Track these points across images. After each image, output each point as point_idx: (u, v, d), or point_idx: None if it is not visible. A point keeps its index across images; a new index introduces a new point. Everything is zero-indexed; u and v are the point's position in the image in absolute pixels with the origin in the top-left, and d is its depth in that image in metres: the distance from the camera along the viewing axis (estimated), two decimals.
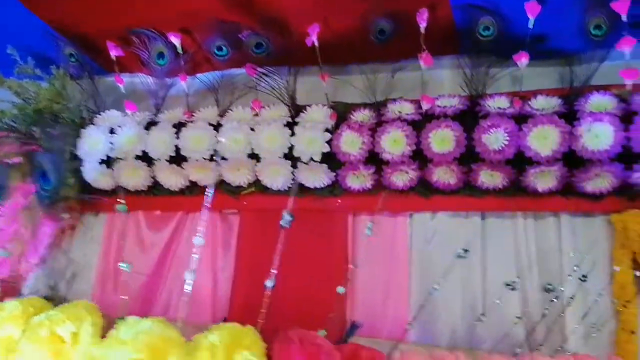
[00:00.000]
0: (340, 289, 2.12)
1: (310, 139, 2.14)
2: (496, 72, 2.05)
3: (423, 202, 2.17)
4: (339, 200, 2.23)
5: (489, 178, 2.02)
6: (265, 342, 1.99)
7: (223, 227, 2.41)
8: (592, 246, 2.01)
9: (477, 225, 2.16)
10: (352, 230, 2.26)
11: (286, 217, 2.18)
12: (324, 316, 2.13)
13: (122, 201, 2.40)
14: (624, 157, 1.86)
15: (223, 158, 2.24)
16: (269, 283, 2.13)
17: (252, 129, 2.21)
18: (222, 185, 2.34)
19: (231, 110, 2.33)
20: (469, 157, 2.02)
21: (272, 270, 2.15)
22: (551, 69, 2.09)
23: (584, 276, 1.93)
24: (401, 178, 2.12)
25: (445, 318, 2.10)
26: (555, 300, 1.97)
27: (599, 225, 2.02)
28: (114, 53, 2.38)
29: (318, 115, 2.20)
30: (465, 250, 2.06)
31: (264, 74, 2.25)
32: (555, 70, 2.09)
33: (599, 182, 1.91)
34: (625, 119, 1.85)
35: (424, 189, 2.14)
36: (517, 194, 2.05)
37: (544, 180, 1.96)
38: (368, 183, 2.16)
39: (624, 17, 1.76)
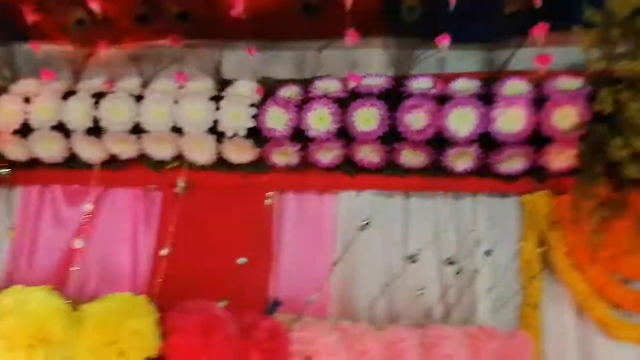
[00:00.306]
0: (241, 260, 2.13)
1: (236, 114, 2.10)
2: (421, 54, 2.10)
3: (349, 181, 2.20)
4: (265, 178, 2.24)
5: (411, 157, 2.06)
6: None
7: (145, 203, 2.35)
8: (505, 225, 2.09)
9: (400, 204, 2.21)
10: (277, 208, 2.27)
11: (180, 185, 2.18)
12: (247, 293, 2.16)
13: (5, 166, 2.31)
14: (535, 140, 1.94)
15: (145, 131, 2.19)
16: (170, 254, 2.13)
17: (176, 102, 2.16)
18: (144, 159, 2.29)
19: (155, 81, 2.26)
20: (392, 136, 2.05)
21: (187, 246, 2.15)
22: (474, 52, 2.14)
23: (488, 251, 2.03)
24: (327, 156, 2.13)
25: (367, 294, 2.14)
26: (458, 273, 2.05)
27: (512, 206, 2.11)
28: (30, 18, 2.26)
29: (244, 90, 2.17)
30: (367, 223, 2.11)
31: (189, 45, 2.21)
32: (477, 54, 2.15)
33: (512, 163, 1.99)
34: (537, 103, 1.93)
35: (350, 168, 2.17)
36: (437, 174, 2.11)
37: (461, 160, 2.03)
38: (294, 160, 2.17)
39: (538, 4, 1.84)
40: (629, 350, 1.94)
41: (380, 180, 2.17)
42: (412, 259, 2.09)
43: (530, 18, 1.92)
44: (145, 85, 2.28)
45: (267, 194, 2.20)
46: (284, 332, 1.68)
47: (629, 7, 1.58)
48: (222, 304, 1.99)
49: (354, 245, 2.17)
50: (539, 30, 1.85)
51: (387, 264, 2.15)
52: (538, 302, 1.97)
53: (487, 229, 2.11)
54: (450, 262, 2.03)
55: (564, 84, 1.93)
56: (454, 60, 2.15)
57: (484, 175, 2.07)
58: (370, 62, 2.25)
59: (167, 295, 2.15)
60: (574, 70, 1.95)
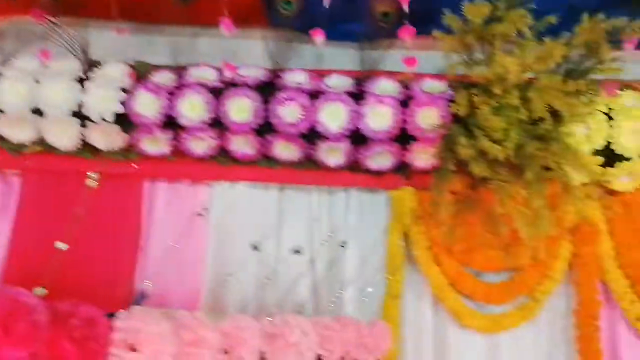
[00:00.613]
0: (60, 245, 2.05)
1: (103, 97, 2.00)
2: (297, 47, 2.12)
3: (222, 171, 2.17)
4: (135, 165, 2.16)
5: (285, 150, 2.08)
6: None
7: (2, 187, 2.19)
8: (374, 219, 2.17)
9: (275, 196, 2.21)
10: (148, 197, 2.19)
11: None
12: (111, 284, 2.07)
13: None
14: (402, 138, 2.02)
15: (1, 111, 2.02)
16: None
17: (37, 81, 2.02)
18: (2, 142, 2.12)
19: (15, 59, 2.09)
20: (266, 128, 2.04)
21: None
22: (349, 50, 2.17)
23: (343, 243, 2.09)
24: (199, 145, 2.09)
25: (239, 287, 2.12)
26: (331, 269, 2.10)
27: (382, 201, 2.18)
28: None
29: (114, 73, 2.07)
30: (204, 209, 2.11)
31: (54, 23, 2.08)
32: (352, 53, 2.18)
33: (380, 159, 2.06)
34: (404, 103, 2.01)
35: (224, 158, 2.14)
36: (311, 167, 2.14)
37: (333, 155, 2.07)
38: (165, 148, 2.09)
39: (405, 7, 1.92)
40: (478, 339, 2.07)
41: (255, 172, 2.16)
42: (296, 251, 2.10)
43: (400, 21, 2.02)
44: (5, 63, 2.10)
45: (88, 173, 2.10)
46: (103, 320, 1.59)
47: (482, 14, 1.69)
48: (39, 291, 1.89)
49: (227, 237, 2.16)
50: (406, 33, 1.94)
51: (259, 256, 2.13)
52: (399, 293, 2.06)
53: (358, 222, 2.18)
54: (297, 252, 2.06)
55: (429, 86, 2.03)
56: (330, 57, 2.19)
57: (355, 170, 2.13)
58: (250, 53, 2.23)
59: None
60: (440, 74, 2.05)
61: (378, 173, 2.12)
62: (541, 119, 1.67)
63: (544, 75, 1.68)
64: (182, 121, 2.02)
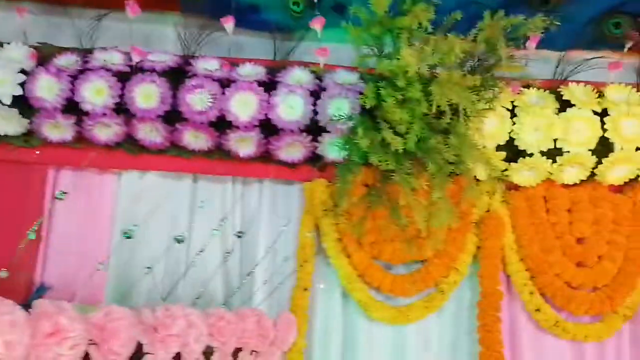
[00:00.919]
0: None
1: (1, 80, 1.90)
2: (209, 34, 2.06)
3: (131, 160, 2.10)
4: (37, 152, 2.06)
5: (194, 139, 2.03)
6: None
7: None
8: (288, 212, 2.15)
9: (188, 187, 2.17)
10: (52, 185, 2.10)
11: None
12: (10, 275, 1.97)
13: None
14: (313, 128, 2.01)
15: None
16: None
17: None
18: None
19: None
20: (174, 116, 1.99)
21: None
22: (265, 40, 2.16)
23: (239, 233, 2.07)
24: (105, 132, 2.01)
25: (147, 278, 2.05)
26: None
27: (295, 193, 2.17)
28: None
29: (14, 54, 1.97)
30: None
31: None
32: (268, 42, 2.16)
33: (292, 151, 2.05)
34: (316, 94, 2.00)
35: (131, 146, 2.07)
36: (225, 158, 2.10)
37: (244, 145, 2.04)
38: (69, 134, 2.01)
39: None
40: (385, 330, 2.10)
41: (165, 162, 2.10)
42: (180, 239, 2.05)
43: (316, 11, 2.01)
44: None
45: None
46: None
47: (385, 6, 1.70)
48: None
49: (135, 229, 2.08)
50: (317, 24, 1.93)
51: (168, 248, 2.08)
52: (309, 285, 2.05)
53: (271, 213, 2.16)
54: (179, 240, 2.01)
55: (341, 77, 2.03)
56: (246, 46, 2.17)
57: (269, 161, 2.11)
58: (163, 39, 2.18)
59: None
60: (354, 67, 2.06)
61: (292, 165, 2.11)
62: (443, 113, 1.70)
63: (444, 70, 1.72)
64: (86, 106, 1.95)
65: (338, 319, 2.08)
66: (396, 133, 1.77)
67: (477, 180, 2.02)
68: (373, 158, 1.70)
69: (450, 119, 1.72)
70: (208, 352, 1.51)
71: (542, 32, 1.97)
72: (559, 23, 1.71)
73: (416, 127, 1.69)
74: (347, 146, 1.81)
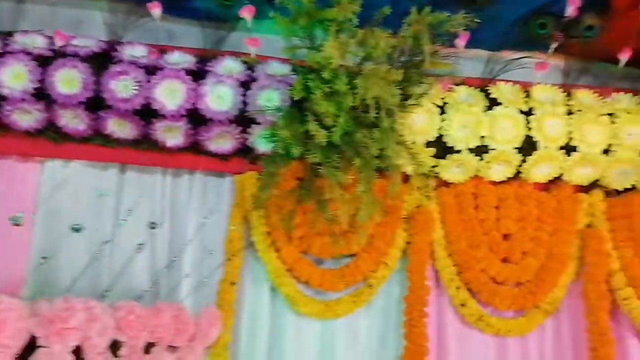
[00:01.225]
0: None
1: None
2: (137, 20, 2.01)
3: (54, 148, 2.02)
4: None
5: (119, 127, 1.97)
6: None
7: None
8: (218, 205, 2.11)
9: (114, 177, 2.09)
10: None
11: None
12: None
13: None
14: (243, 120, 1.97)
15: None
16: None
17: None
18: None
19: None
20: (97, 103, 1.92)
21: None
22: (197, 28, 2.10)
23: (152, 224, 2.02)
24: (25, 118, 1.93)
25: (71, 270, 1.97)
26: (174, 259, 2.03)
27: (226, 186, 2.13)
28: None
29: None
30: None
31: None
32: (201, 31, 2.11)
33: (222, 142, 2.01)
34: (246, 84, 1.96)
35: (54, 134, 1.99)
36: (152, 148, 2.04)
37: (172, 135, 1.99)
38: None
39: None
40: (314, 324, 2.07)
41: (90, 151, 2.03)
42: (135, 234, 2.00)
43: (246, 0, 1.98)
44: None
45: None
46: None
47: None
48: None
49: (55, 218, 2.01)
50: (247, 12, 1.90)
51: (91, 239, 2.00)
52: (236, 280, 2.02)
53: (201, 206, 2.11)
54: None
55: (274, 69, 2.00)
56: (179, 33, 2.12)
57: (199, 152, 2.06)
58: (91, 24, 2.10)
59: None
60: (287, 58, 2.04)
61: (223, 157, 2.07)
62: (369, 107, 1.69)
63: (374, 64, 1.71)
64: (4, 91, 1.86)
65: (266, 313, 2.05)
66: (324, 126, 1.77)
67: (408, 176, 2.06)
68: (294, 150, 1.68)
69: (377, 113, 1.72)
70: (115, 347, 1.46)
71: (471, 31, 2.02)
72: (479, 21, 1.73)
73: (342, 120, 1.68)
74: (273, 138, 1.79)
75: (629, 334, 2.17)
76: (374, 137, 1.66)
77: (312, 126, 1.67)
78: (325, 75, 1.67)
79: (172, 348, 1.65)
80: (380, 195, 1.93)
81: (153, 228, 2.00)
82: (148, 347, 1.58)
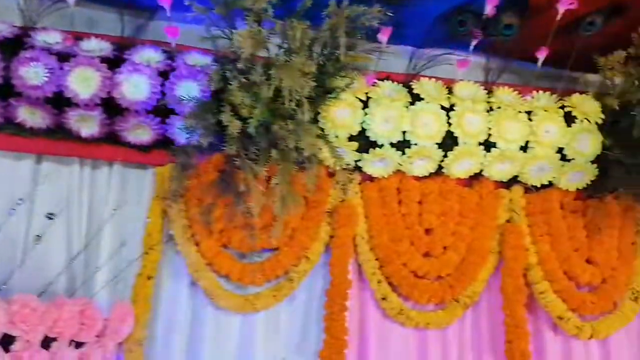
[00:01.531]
0: None
1: None
2: (51, 6, 1.93)
3: None
4: None
5: (31, 116, 1.89)
6: None
7: None
8: (138, 197, 2.06)
9: (29, 168, 2.01)
10: None
11: None
12: None
13: None
14: (162, 110, 1.93)
15: None
16: None
17: None
18: None
19: None
20: (9, 90, 1.85)
21: None
22: (115, 15, 2.03)
23: (50, 215, 1.95)
24: None
25: None
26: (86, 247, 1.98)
27: (146, 178, 2.08)
28: None
29: None
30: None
31: None
32: (122, 19, 2.04)
33: (140, 133, 1.96)
34: (166, 74, 1.92)
35: None
36: (68, 138, 1.97)
37: (86, 125, 1.92)
38: None
39: None
40: (233, 318, 2.05)
41: (2, 140, 1.93)
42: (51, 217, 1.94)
43: None
44: None
45: None
46: None
47: None
48: None
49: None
50: (165, 1, 1.86)
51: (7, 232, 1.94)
52: (153, 274, 1.98)
53: (120, 198, 2.05)
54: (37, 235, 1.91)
55: (194, 59, 1.96)
56: (100, 20, 2.05)
57: (117, 143, 2.00)
58: (5, 9, 1.99)
59: None
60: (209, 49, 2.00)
61: (143, 148, 2.02)
62: (283, 98, 1.67)
63: (283, 56, 1.70)
64: None
65: (185, 308, 2.02)
66: (242, 117, 1.74)
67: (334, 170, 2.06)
68: (203, 140, 1.66)
69: (297, 105, 1.71)
70: (7, 341, 1.39)
71: (396, 27, 2.03)
72: (391, 14, 1.74)
73: (258, 111, 1.66)
74: (186, 129, 1.75)
75: (545, 327, 2.24)
76: (289, 129, 1.64)
77: (225, 116, 1.64)
78: (240, 65, 1.65)
79: (77, 344, 1.59)
80: (303, 189, 1.93)
81: (50, 219, 1.93)
82: (48, 342, 1.52)
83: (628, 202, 2.23)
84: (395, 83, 2.11)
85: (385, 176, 2.12)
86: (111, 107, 1.90)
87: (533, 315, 2.22)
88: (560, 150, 2.15)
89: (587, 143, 2.14)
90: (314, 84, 1.64)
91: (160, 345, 1.99)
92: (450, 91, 2.14)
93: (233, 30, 1.81)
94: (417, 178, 2.16)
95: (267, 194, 1.76)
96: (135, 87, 1.87)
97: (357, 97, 2.04)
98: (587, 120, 2.15)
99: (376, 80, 2.09)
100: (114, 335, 1.75)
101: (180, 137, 1.96)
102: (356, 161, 2.08)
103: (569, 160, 2.16)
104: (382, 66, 2.11)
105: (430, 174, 2.15)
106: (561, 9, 1.99)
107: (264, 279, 2.03)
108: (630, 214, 2.25)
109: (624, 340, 2.28)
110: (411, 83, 2.12)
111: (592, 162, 2.17)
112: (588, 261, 2.23)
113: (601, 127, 2.17)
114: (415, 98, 2.09)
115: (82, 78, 1.84)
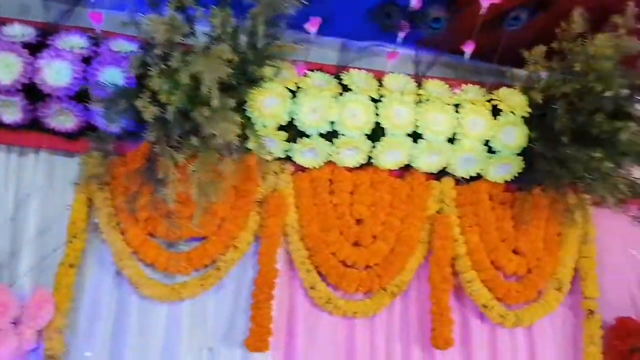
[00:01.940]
0: None
1: None
2: None
3: None
4: None
5: None
6: None
7: None
8: (63, 185, 2.03)
9: None
10: None
11: None
12: None
13: None
14: (85, 97, 1.91)
15: None
16: None
17: None
18: None
19: None
20: None
21: None
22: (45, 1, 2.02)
23: None
24: None
25: None
26: None
27: (73, 166, 2.05)
28: None
29: None
30: None
31: None
32: (49, 3, 2.03)
33: (63, 119, 1.94)
34: (90, 60, 1.91)
35: None
36: None
37: (9, 111, 1.90)
38: None
39: None
40: (159, 307, 2.04)
41: None
42: None
43: None
44: None
45: None
46: None
47: None
48: None
49: None
50: None
51: None
52: (76, 262, 1.96)
53: (46, 186, 2.03)
54: None
55: (120, 45, 1.96)
56: (32, 6, 2.01)
57: (41, 130, 1.98)
58: None
59: None
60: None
61: (68, 135, 2.00)
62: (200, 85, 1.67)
63: (206, 44, 1.70)
64: None
65: (109, 297, 2.01)
66: (162, 104, 1.74)
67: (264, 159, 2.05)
68: (112, 126, 1.65)
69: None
70: None
71: (327, 19, 2.05)
72: (306, 3, 1.76)
73: (175, 97, 1.66)
74: (106, 117, 1.74)
75: (472, 315, 2.28)
76: (206, 115, 1.64)
77: (141, 102, 1.63)
78: (158, 51, 1.65)
79: None
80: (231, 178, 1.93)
81: None
82: None
83: (554, 194, 2.28)
84: (326, 74, 2.14)
85: (317, 167, 2.14)
86: (33, 93, 1.88)
87: (460, 303, 2.26)
88: (486, 142, 2.19)
89: (513, 136, 2.19)
90: (232, 71, 1.65)
91: (83, 334, 1.98)
92: (380, 83, 2.17)
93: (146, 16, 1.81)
94: (349, 169, 2.18)
95: (188, 181, 1.76)
96: (57, 72, 1.85)
97: (286, 87, 2.05)
98: (513, 113, 2.19)
99: (307, 71, 2.11)
100: (31, 322, 1.73)
101: (104, 125, 1.97)
102: (286, 151, 2.10)
103: (495, 153, 2.20)
104: (314, 57, 2.13)
105: (362, 165, 2.17)
106: (485, 3, 2.03)
107: (191, 267, 2.02)
108: (556, 206, 2.29)
109: (548, 329, 2.33)
110: (341, 74, 2.15)
111: (519, 154, 2.21)
112: (515, 251, 2.27)
113: (527, 121, 2.21)
114: (345, 89, 2.11)
115: (4, 64, 1.83)
